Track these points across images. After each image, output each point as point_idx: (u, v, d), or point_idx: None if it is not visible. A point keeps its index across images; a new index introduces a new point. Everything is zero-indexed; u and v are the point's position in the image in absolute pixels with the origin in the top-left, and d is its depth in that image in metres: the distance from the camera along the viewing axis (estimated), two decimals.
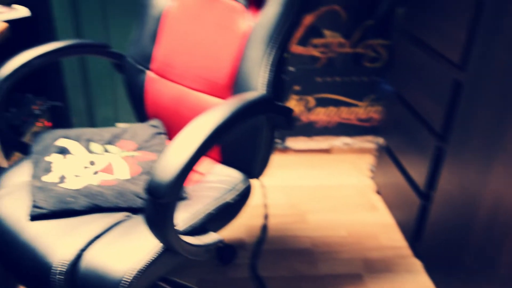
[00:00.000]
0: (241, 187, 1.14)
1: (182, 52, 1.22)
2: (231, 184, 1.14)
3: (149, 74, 1.29)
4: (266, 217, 1.35)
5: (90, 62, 2.10)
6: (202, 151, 0.82)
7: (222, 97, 1.16)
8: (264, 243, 1.73)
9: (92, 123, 2.25)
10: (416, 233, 1.65)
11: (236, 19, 1.13)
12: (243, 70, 1.10)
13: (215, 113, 0.88)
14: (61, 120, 2.16)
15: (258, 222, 1.82)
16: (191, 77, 1.21)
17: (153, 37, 1.27)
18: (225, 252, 1.64)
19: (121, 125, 2.26)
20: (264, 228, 1.73)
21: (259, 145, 1.13)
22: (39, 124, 1.94)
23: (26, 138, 1.81)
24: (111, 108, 2.23)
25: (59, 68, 2.06)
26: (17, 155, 1.69)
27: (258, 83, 1.07)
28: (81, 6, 1.98)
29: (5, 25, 1.22)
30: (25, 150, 1.24)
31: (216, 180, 1.15)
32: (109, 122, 2.26)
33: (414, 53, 1.62)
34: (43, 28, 1.95)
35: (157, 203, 0.80)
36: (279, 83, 1.10)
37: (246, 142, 1.14)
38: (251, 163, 1.17)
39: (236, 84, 1.12)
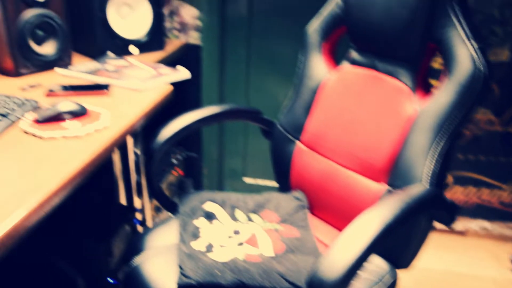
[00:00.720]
0: (388, 279, 1.05)
1: (336, 127, 1.19)
2: (378, 275, 1.05)
3: (299, 145, 1.27)
4: None
5: None
6: (371, 250, 0.76)
7: (376, 180, 1.10)
8: None
9: (220, 175, 2.29)
10: None
11: (401, 101, 1.08)
12: (404, 156, 1.04)
13: (384, 209, 0.82)
14: (193, 169, 2.23)
15: None
16: (344, 154, 1.17)
17: (307, 108, 1.26)
18: None
19: (248, 180, 2.28)
20: None
21: (414, 237, 1.04)
22: (174, 173, 2.01)
23: (163, 186, 1.88)
24: (240, 162, 2.26)
25: None
26: (154, 202, 1.76)
27: (422, 173, 0.99)
28: (227, 69, 2.07)
29: (171, 87, 1.28)
30: (169, 206, 1.27)
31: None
32: (237, 176, 2.29)
33: None
34: (191, 89, 2.05)
35: None
36: (444, 175, 1.02)
37: (399, 232, 1.06)
38: (401, 254, 1.08)
39: (394, 169, 1.06)
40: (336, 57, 1.28)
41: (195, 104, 2.09)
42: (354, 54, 1.20)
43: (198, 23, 1.96)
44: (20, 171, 0.82)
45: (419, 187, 0.94)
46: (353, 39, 1.19)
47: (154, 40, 1.69)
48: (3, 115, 1.01)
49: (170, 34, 2.00)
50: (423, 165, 1.00)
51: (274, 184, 2.26)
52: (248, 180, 2.29)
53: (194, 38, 1.99)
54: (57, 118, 1.01)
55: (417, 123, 1.03)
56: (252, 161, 2.25)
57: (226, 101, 2.14)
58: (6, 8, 1.25)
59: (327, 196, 1.21)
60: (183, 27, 1.98)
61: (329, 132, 1.20)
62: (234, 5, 1.97)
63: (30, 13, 1.30)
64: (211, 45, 1.99)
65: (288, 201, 1.25)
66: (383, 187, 1.08)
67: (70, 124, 1.00)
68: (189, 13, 1.95)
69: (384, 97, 1.11)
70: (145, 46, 1.67)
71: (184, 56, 1.93)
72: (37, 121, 1.01)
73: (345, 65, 1.22)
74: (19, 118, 1.03)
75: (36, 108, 1.10)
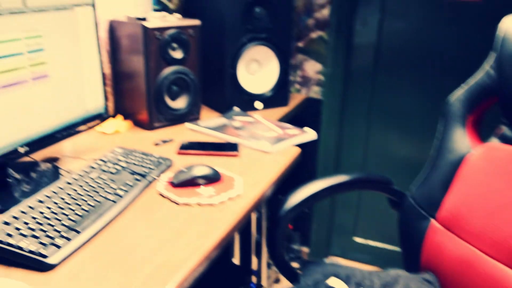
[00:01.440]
0: None
1: (481, 210, 1.07)
2: None
3: (433, 222, 1.16)
4: None
5: (341, 170, 2.09)
6: None
7: None
8: None
9: (329, 232, 2.21)
10: None
11: None
12: None
13: None
14: (302, 224, 2.18)
15: None
16: (489, 241, 1.04)
17: (446, 184, 1.15)
18: None
19: (359, 240, 2.17)
20: None
21: None
22: None
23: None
24: (351, 220, 2.16)
25: (315, 174, 2.08)
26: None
27: None
28: (347, 125, 2.02)
29: (299, 150, 1.25)
30: (289, 275, 1.21)
31: None
32: (347, 234, 2.19)
33: None
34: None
35: None
36: None
37: None
38: None
39: None
40: (480, 130, 1.17)
41: (310, 158, 2.04)
42: (506, 131, 1.08)
43: (320, 77, 1.94)
44: (158, 243, 0.82)
45: None
46: (505, 113, 1.08)
47: (278, 95, 1.69)
48: (142, 175, 1.03)
49: (291, 87, 2.00)
50: None
51: (385, 246, 2.14)
52: (358, 239, 2.18)
53: (314, 92, 1.97)
54: (191, 182, 1.01)
55: None
56: (365, 220, 2.15)
57: (342, 158, 2.07)
58: (149, 66, 1.31)
59: (465, 285, 1.08)
60: (305, 81, 1.97)
61: (472, 214, 1.09)
62: (359, 60, 1.92)
63: (168, 70, 1.35)
64: (332, 100, 1.95)
65: (418, 283, 1.14)
66: None
67: (204, 190, 1.00)
68: (313, 68, 1.94)
69: None
70: (269, 101, 1.67)
71: (305, 110, 1.91)
72: (172, 184, 1.02)
73: (494, 142, 1.11)
74: (155, 179, 1.04)
75: (170, 167, 1.12)
